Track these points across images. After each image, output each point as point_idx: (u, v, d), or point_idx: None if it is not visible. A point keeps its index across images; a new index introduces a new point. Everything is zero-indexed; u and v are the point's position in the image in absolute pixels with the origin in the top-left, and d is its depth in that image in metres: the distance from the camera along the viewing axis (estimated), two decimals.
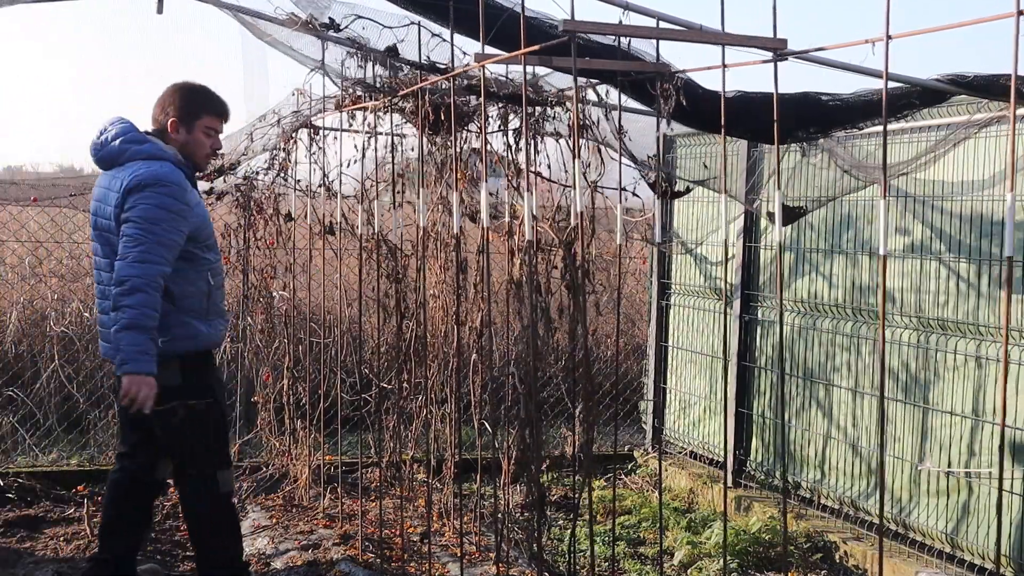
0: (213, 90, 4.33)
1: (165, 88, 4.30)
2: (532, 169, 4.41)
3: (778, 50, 3.19)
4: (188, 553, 5.04)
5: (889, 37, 2.60)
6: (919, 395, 5.09)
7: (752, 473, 6.33)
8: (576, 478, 4.71)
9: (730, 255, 6.37)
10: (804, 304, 5.87)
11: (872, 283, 5.40)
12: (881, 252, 2.68)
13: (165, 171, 4.01)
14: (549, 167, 4.79)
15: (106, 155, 4.12)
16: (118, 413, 4.35)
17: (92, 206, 4.17)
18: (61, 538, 5.18)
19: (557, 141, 4.87)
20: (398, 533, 4.85)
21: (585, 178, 4.42)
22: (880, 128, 3.81)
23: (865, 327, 5.44)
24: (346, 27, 4.53)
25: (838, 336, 5.61)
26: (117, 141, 4.10)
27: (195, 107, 4.23)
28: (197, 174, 4.46)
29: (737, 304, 6.33)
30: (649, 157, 4.71)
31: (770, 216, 5.37)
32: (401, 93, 4.48)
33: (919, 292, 5.09)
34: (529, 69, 4.31)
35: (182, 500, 4.29)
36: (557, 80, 4.64)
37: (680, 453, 7.03)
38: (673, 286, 7.17)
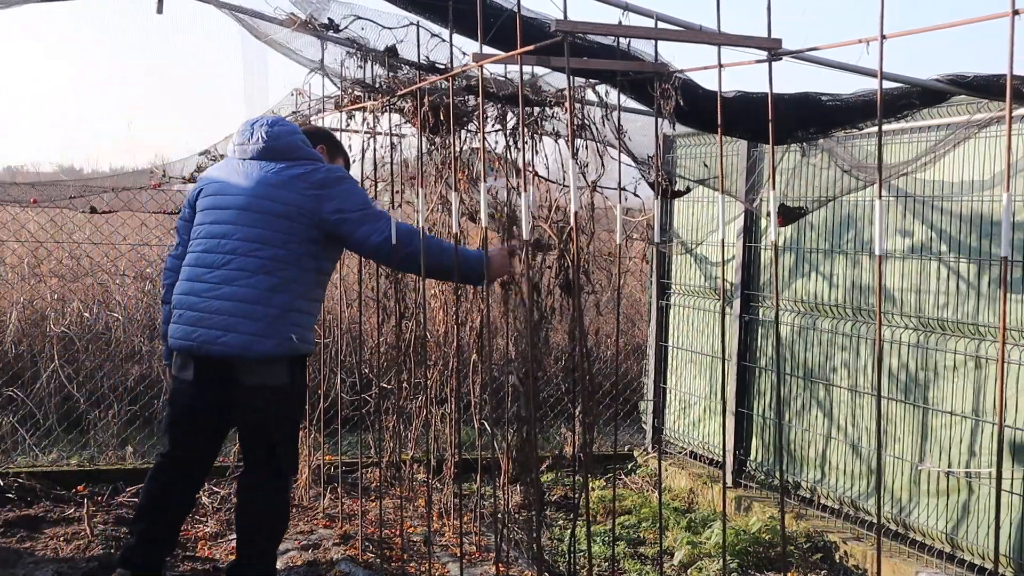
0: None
1: (311, 125, 4.74)
2: (530, 169, 4.41)
3: (773, 50, 3.19)
4: (188, 553, 5.04)
5: (883, 37, 2.60)
6: (919, 395, 5.09)
7: (752, 473, 6.33)
8: (576, 478, 4.71)
9: (730, 255, 6.37)
10: (804, 304, 5.87)
11: (873, 283, 5.40)
12: (877, 252, 2.67)
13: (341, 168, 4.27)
14: (548, 168, 4.79)
15: (278, 145, 4.11)
16: (179, 413, 4.17)
17: (244, 187, 4.06)
18: (61, 538, 5.18)
19: (556, 141, 4.87)
20: (398, 533, 4.85)
21: (584, 178, 4.42)
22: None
23: (865, 327, 5.44)
24: (345, 27, 4.53)
25: (838, 336, 5.61)
26: (296, 137, 4.18)
27: (337, 147, 4.60)
28: None
29: (737, 304, 6.33)
30: (649, 157, 4.71)
31: (770, 216, 5.37)
32: (400, 93, 4.48)
33: (919, 292, 5.09)
34: (528, 69, 4.32)
35: (254, 501, 4.18)
36: (556, 80, 4.64)
37: (680, 453, 7.03)
38: (673, 286, 7.17)
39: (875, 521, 5.19)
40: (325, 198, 4.00)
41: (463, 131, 4.93)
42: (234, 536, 5.32)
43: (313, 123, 5.67)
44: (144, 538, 4.22)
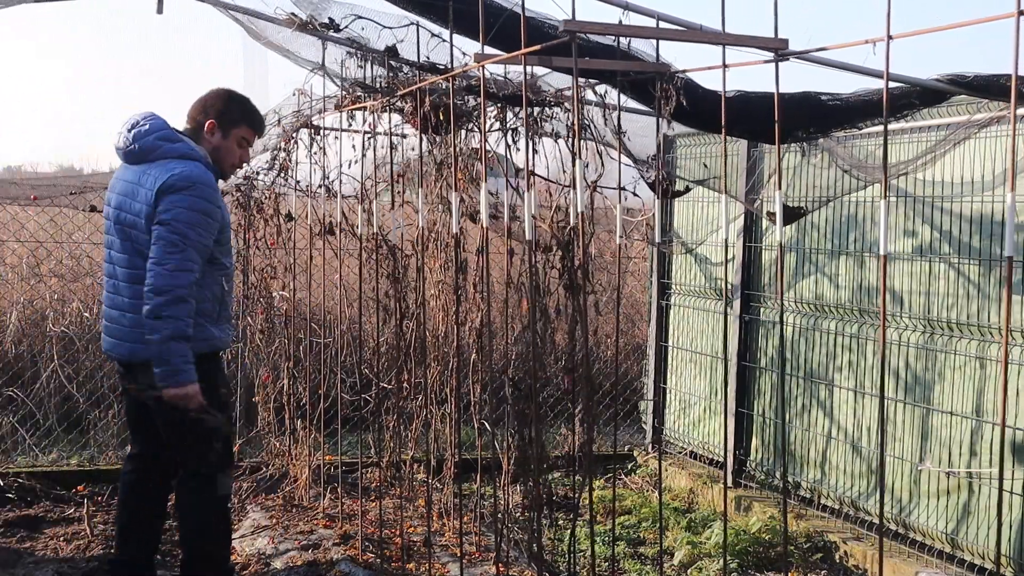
0: (255, 107, 4.38)
1: (210, 91, 4.30)
2: (531, 169, 4.41)
3: (779, 50, 3.19)
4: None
5: (890, 37, 2.60)
6: (922, 396, 5.09)
7: (752, 473, 6.33)
8: (576, 478, 4.71)
9: (730, 255, 6.37)
10: (807, 305, 5.87)
11: (877, 284, 5.40)
12: (881, 252, 2.67)
13: (199, 172, 3.98)
14: (548, 168, 4.78)
15: (138, 149, 4.04)
16: (128, 412, 4.35)
17: (114, 200, 4.09)
18: (61, 538, 5.18)
19: (556, 141, 4.87)
20: (398, 533, 4.85)
21: (585, 178, 4.42)
22: (880, 128, 3.81)
23: (870, 328, 5.44)
24: (345, 27, 4.52)
25: (842, 337, 5.60)
26: (151, 136, 4.05)
27: (236, 115, 4.24)
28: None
29: (737, 304, 6.33)
30: (649, 157, 4.71)
31: (770, 216, 5.37)
32: (400, 93, 4.48)
33: (925, 293, 5.08)
34: (528, 69, 4.31)
35: (178, 499, 4.27)
36: (555, 80, 4.63)
37: (680, 453, 7.03)
38: (673, 286, 7.17)
39: (876, 521, 5.19)
40: (161, 202, 3.91)
41: (463, 131, 4.93)
42: (233, 533, 5.35)
43: (314, 123, 5.67)
44: (122, 536, 4.34)
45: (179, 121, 4.28)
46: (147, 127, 4.07)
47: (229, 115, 4.23)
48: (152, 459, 4.32)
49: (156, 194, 3.91)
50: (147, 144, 4.04)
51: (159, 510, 4.44)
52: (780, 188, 3.24)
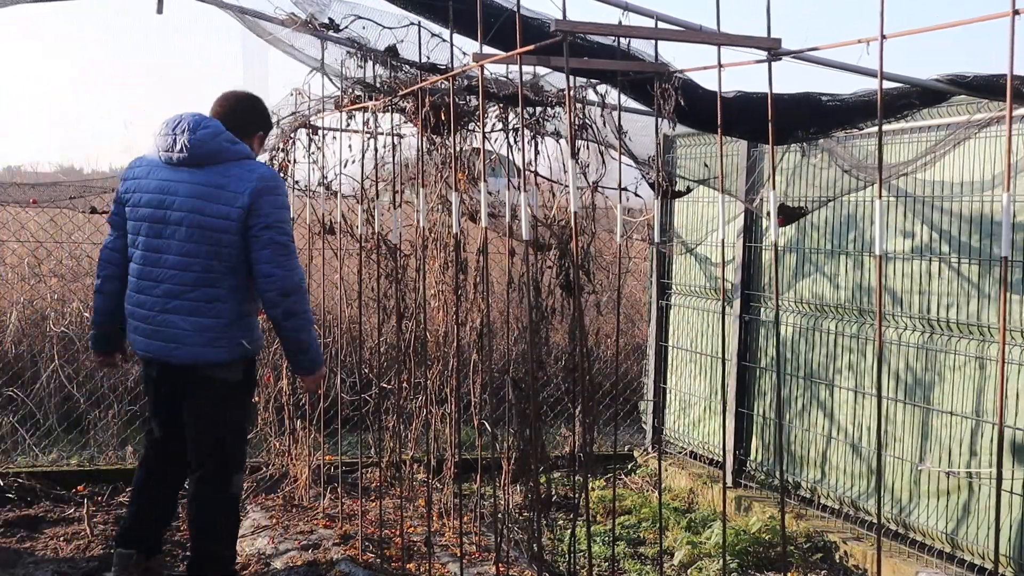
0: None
1: (238, 94, 4.37)
2: (531, 169, 4.41)
3: (772, 50, 3.20)
4: (187, 554, 5.04)
5: (883, 37, 2.60)
6: (921, 396, 5.09)
7: (752, 473, 6.33)
8: (576, 478, 4.71)
9: (730, 256, 6.37)
10: (807, 305, 5.87)
11: (882, 285, 5.40)
12: (877, 252, 2.68)
13: (273, 172, 4.18)
14: (550, 168, 4.79)
15: (204, 152, 4.04)
16: (157, 409, 4.35)
17: (187, 203, 4.03)
18: (61, 538, 5.18)
19: (557, 141, 4.87)
20: (398, 533, 4.85)
21: (585, 178, 4.42)
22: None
23: (870, 328, 5.44)
24: (346, 27, 4.53)
25: (842, 337, 5.60)
26: (220, 139, 4.07)
27: (268, 122, 4.53)
28: None
29: (737, 304, 6.33)
30: (649, 157, 4.71)
31: (771, 216, 5.37)
32: (401, 93, 4.48)
33: (924, 293, 5.09)
34: (529, 69, 4.32)
35: (192, 495, 4.27)
36: (557, 80, 4.64)
37: (680, 453, 7.03)
38: (673, 286, 7.17)
39: (875, 521, 5.20)
40: (259, 204, 3.99)
41: (464, 131, 4.93)
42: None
43: (313, 123, 5.67)
44: (136, 517, 4.38)
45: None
46: (210, 129, 4.08)
47: (265, 124, 4.50)
48: (175, 453, 4.33)
49: (251, 196, 3.97)
50: (215, 146, 4.06)
51: (172, 496, 4.49)
52: (775, 188, 3.24)
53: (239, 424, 4.24)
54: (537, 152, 4.58)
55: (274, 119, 5.77)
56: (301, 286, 4.06)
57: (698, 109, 3.87)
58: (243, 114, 4.31)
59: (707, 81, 4.01)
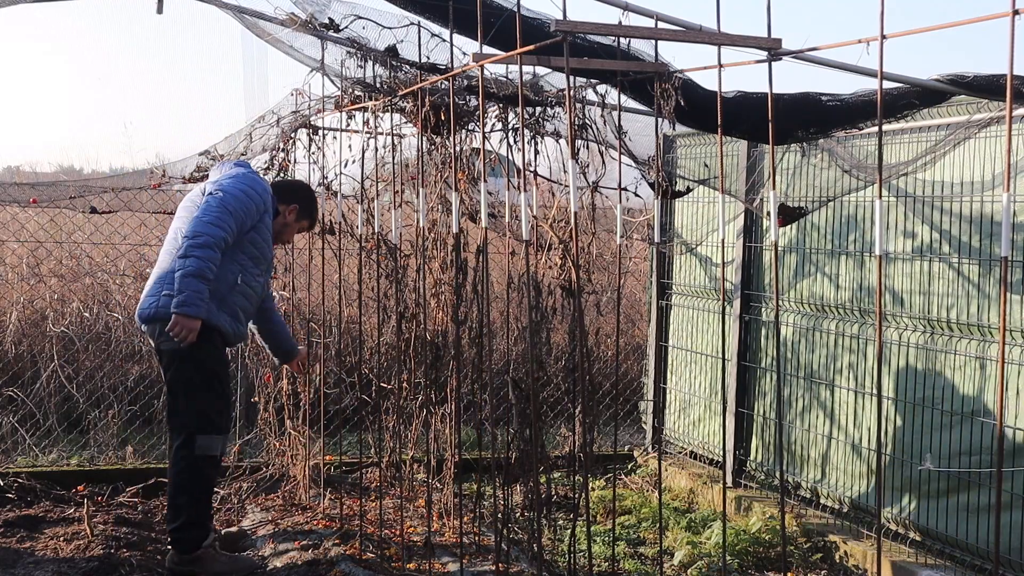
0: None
1: (300, 181, 5.42)
2: (531, 169, 4.41)
3: (772, 50, 3.20)
4: None
5: (884, 37, 2.60)
6: (922, 396, 5.09)
7: (752, 473, 6.33)
8: (576, 478, 4.71)
9: (730, 256, 6.36)
10: (808, 305, 5.87)
11: (881, 285, 5.40)
12: (877, 252, 2.68)
13: (263, 184, 4.85)
14: (550, 168, 4.79)
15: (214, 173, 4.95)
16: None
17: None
18: (61, 538, 5.18)
19: (557, 141, 4.87)
20: (398, 533, 4.85)
21: (585, 178, 4.42)
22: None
23: (871, 328, 5.43)
24: (346, 27, 4.53)
25: (842, 337, 5.60)
26: (232, 167, 4.91)
27: (311, 212, 5.19)
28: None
29: (737, 304, 6.33)
30: (649, 157, 4.71)
31: (770, 216, 5.37)
32: (401, 93, 4.48)
33: (925, 294, 5.08)
34: (529, 69, 4.32)
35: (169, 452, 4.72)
36: (557, 80, 4.64)
37: (680, 453, 7.03)
38: (673, 286, 7.17)
39: (875, 521, 5.19)
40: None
41: (464, 131, 4.93)
42: (232, 531, 5.35)
43: (313, 123, 5.67)
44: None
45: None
46: (231, 162, 5.08)
47: (309, 211, 5.20)
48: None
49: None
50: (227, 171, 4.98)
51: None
52: (775, 188, 3.24)
53: (194, 389, 4.60)
54: (537, 152, 4.58)
55: (274, 119, 5.78)
56: (209, 236, 4.44)
57: (698, 109, 3.87)
58: (290, 189, 5.20)
59: (707, 81, 4.01)
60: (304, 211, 5.12)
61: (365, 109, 4.94)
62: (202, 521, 4.64)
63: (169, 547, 4.69)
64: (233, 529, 5.36)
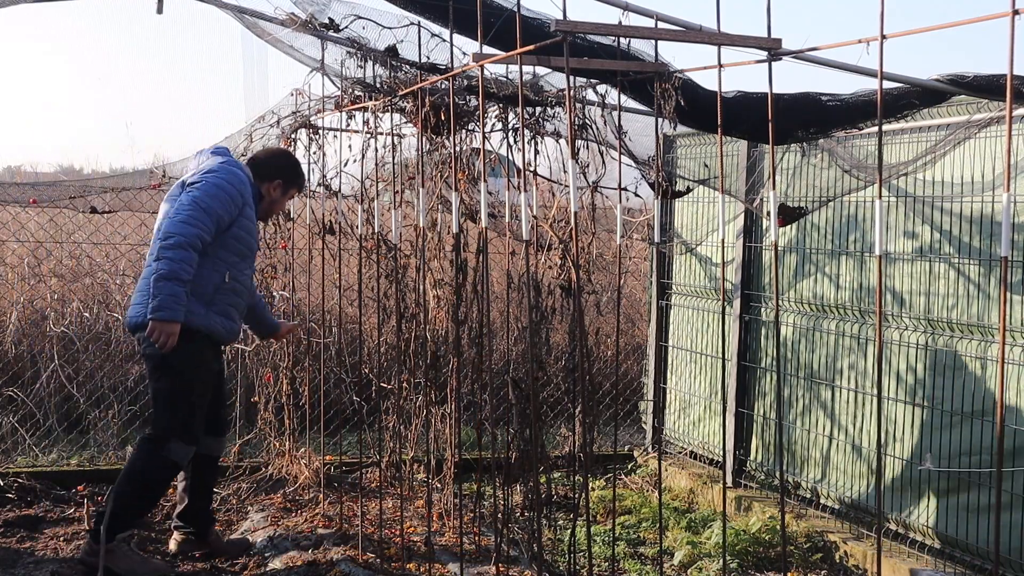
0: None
1: (279, 149, 5.24)
2: (531, 169, 4.41)
3: (772, 50, 3.20)
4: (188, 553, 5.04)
5: (884, 37, 2.60)
6: (924, 396, 5.09)
7: (752, 473, 6.33)
8: (576, 478, 4.71)
9: (729, 256, 6.36)
10: (808, 305, 5.87)
11: (882, 285, 5.39)
12: (877, 252, 2.68)
13: (239, 175, 4.67)
14: (550, 168, 4.79)
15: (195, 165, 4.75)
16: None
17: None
18: (61, 538, 5.18)
19: (557, 141, 4.87)
20: (398, 533, 4.85)
21: (585, 178, 4.42)
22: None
23: (871, 329, 5.43)
24: (346, 27, 4.53)
25: (843, 338, 5.60)
26: (209, 157, 4.74)
27: (297, 179, 5.01)
28: None
29: (737, 304, 6.33)
30: (650, 157, 4.71)
31: (770, 216, 5.37)
32: (401, 93, 4.48)
33: (926, 294, 5.08)
34: (529, 69, 4.32)
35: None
36: (558, 80, 4.64)
37: (680, 453, 7.03)
38: (673, 286, 7.17)
39: (875, 521, 5.19)
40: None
41: (464, 131, 4.93)
42: (232, 534, 5.34)
43: (313, 123, 5.67)
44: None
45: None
46: (208, 151, 4.82)
47: (295, 180, 5.02)
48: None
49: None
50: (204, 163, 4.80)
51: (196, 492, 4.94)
52: (775, 188, 3.24)
53: (174, 394, 4.55)
54: (537, 152, 4.58)
55: (274, 119, 5.78)
56: (181, 236, 4.35)
57: (698, 109, 3.87)
58: (271, 159, 5.01)
59: (707, 81, 4.01)
60: (289, 182, 4.95)
61: (365, 109, 4.94)
62: (129, 518, 4.58)
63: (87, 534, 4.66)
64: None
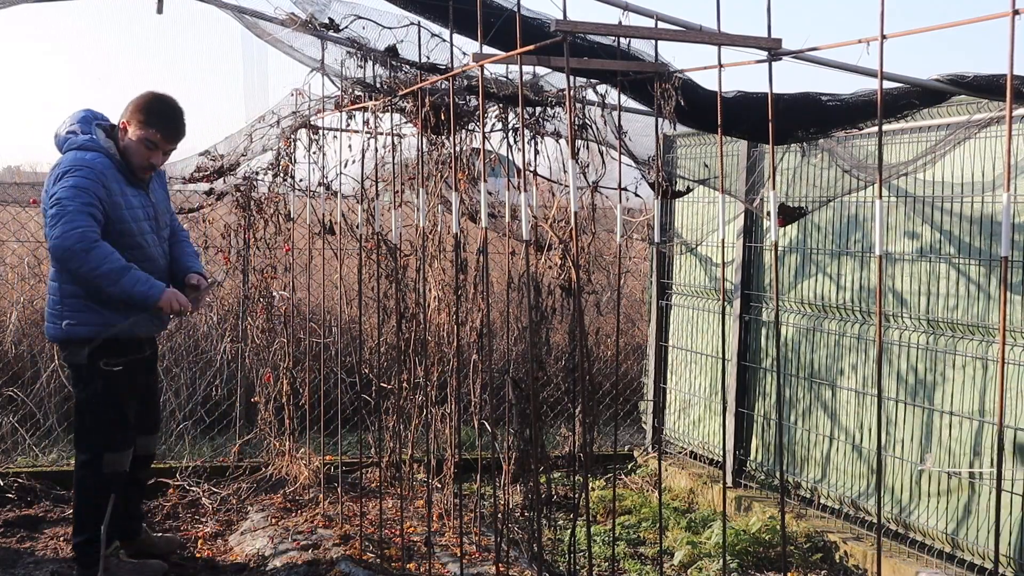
0: (177, 112, 4.57)
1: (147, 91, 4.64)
2: (531, 169, 4.41)
3: (772, 50, 3.20)
4: (188, 553, 5.04)
5: (884, 37, 2.60)
6: (924, 396, 5.09)
7: (752, 473, 6.33)
8: (576, 478, 4.71)
9: (730, 256, 6.36)
10: (810, 306, 5.87)
11: (881, 285, 5.40)
12: (877, 252, 2.67)
13: (88, 158, 4.34)
14: (550, 168, 4.79)
15: (57, 144, 4.52)
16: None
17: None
18: (61, 538, 5.18)
19: (557, 141, 4.87)
20: (398, 533, 4.85)
21: (585, 178, 4.42)
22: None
23: (872, 329, 5.43)
24: (346, 27, 4.53)
25: (844, 338, 5.60)
26: (63, 131, 4.51)
27: (148, 117, 4.47)
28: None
29: (737, 304, 6.33)
30: (650, 157, 4.71)
31: (770, 216, 5.37)
32: (401, 93, 4.48)
33: (927, 294, 5.08)
34: (529, 69, 4.31)
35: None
36: (558, 80, 4.63)
37: (680, 453, 7.03)
38: (673, 286, 7.17)
39: (875, 521, 5.19)
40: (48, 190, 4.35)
41: (464, 131, 4.93)
42: (232, 535, 5.34)
43: (313, 123, 5.67)
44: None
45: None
46: (67, 126, 4.53)
47: (140, 117, 4.49)
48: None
49: (52, 183, 4.36)
50: (59, 140, 4.52)
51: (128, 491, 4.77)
52: (775, 188, 3.24)
53: (87, 403, 4.46)
54: (537, 152, 4.58)
55: (274, 119, 5.77)
56: (70, 248, 4.12)
57: (698, 109, 3.87)
58: (130, 102, 4.58)
59: (707, 81, 4.01)
60: (144, 121, 4.45)
61: (365, 109, 4.93)
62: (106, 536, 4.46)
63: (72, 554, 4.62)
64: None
